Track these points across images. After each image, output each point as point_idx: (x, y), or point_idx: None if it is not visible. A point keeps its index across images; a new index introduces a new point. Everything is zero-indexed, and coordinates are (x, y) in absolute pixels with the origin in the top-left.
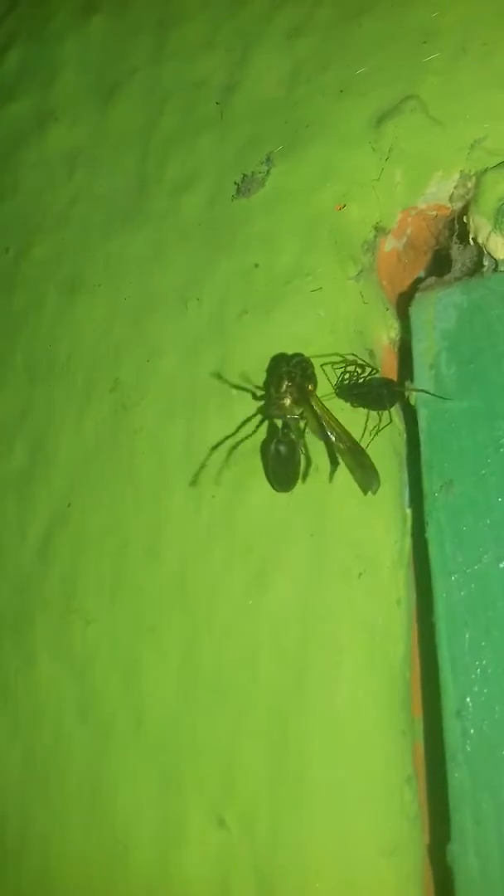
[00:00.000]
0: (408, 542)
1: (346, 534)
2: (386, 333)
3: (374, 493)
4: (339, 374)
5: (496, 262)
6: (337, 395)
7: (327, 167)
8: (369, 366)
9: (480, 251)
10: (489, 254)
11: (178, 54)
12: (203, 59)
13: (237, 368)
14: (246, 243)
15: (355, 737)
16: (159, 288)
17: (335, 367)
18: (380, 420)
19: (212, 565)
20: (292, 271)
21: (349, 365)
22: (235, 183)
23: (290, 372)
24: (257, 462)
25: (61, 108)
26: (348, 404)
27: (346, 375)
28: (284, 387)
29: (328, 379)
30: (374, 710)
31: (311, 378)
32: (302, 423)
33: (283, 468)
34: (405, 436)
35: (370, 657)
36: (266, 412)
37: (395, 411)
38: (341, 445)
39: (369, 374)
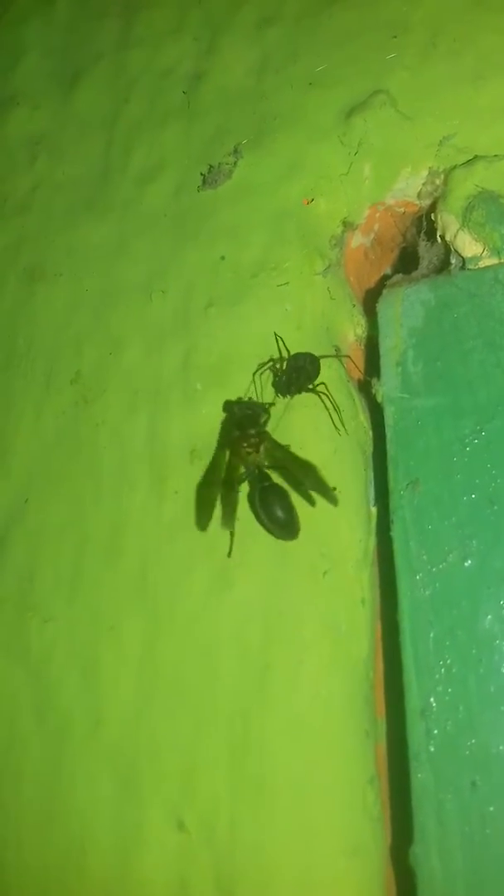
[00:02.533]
0: (373, 540)
1: (311, 532)
2: (353, 330)
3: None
4: (271, 379)
5: (463, 260)
6: (282, 396)
7: (295, 160)
8: (279, 357)
9: (448, 249)
10: (456, 251)
11: (145, 41)
12: (170, 47)
13: (202, 362)
14: (212, 235)
15: (317, 737)
16: (123, 279)
17: (260, 375)
18: (332, 400)
19: (174, 563)
20: (259, 265)
21: (267, 365)
22: (202, 174)
23: (243, 436)
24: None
25: (23, 93)
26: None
27: (273, 375)
28: (246, 446)
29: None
30: (336, 710)
31: (260, 425)
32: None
33: (283, 511)
34: (371, 433)
35: (334, 657)
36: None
37: (361, 408)
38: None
39: (283, 362)
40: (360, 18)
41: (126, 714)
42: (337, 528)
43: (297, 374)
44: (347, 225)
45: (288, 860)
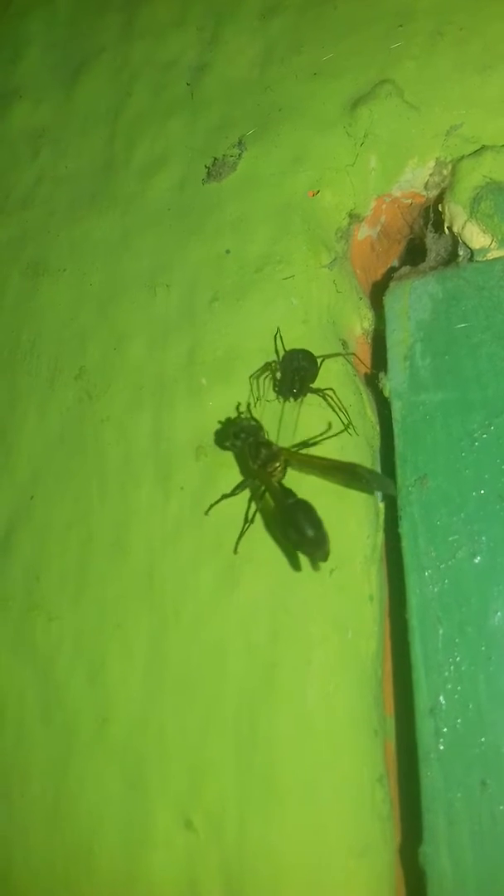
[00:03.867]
0: (380, 537)
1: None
2: (359, 323)
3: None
4: (271, 386)
5: (471, 252)
6: (286, 400)
7: (301, 152)
8: (274, 361)
9: (455, 240)
10: (464, 243)
11: (148, 33)
12: (173, 38)
13: (207, 357)
14: (217, 229)
15: (326, 735)
16: (127, 273)
17: (257, 378)
18: (337, 399)
19: (180, 560)
20: (264, 258)
21: (265, 373)
22: (206, 166)
23: (264, 464)
24: (228, 453)
25: (26, 86)
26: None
27: (275, 383)
28: (270, 471)
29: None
30: (345, 709)
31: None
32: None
33: (312, 528)
34: (378, 428)
35: (342, 654)
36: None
37: (369, 403)
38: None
39: (276, 368)
40: (364, 7)
41: (133, 712)
42: (345, 525)
43: (297, 374)
44: (354, 217)
45: (296, 859)
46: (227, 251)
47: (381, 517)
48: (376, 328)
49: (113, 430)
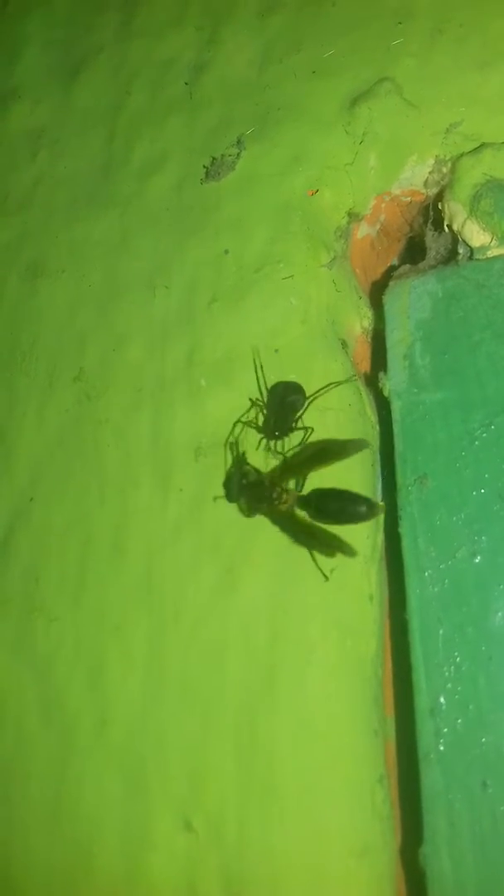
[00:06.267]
0: (380, 536)
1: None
2: (359, 322)
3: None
4: (258, 426)
5: (471, 250)
6: (277, 437)
7: (299, 151)
8: (259, 402)
9: (455, 238)
10: (464, 241)
11: (146, 32)
12: (172, 38)
13: (206, 358)
14: (216, 229)
15: (326, 736)
16: (126, 274)
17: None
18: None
19: (179, 561)
20: (263, 258)
21: (253, 413)
22: (205, 166)
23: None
24: (227, 455)
25: (24, 86)
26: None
27: (262, 421)
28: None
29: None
30: (345, 709)
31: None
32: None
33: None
34: (378, 428)
35: (341, 655)
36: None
37: (369, 403)
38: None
39: (261, 410)
40: (363, 5)
41: (133, 714)
42: (344, 525)
43: (281, 414)
44: (353, 216)
45: (296, 860)
46: (226, 251)
47: (381, 517)
48: (376, 327)
49: (112, 431)
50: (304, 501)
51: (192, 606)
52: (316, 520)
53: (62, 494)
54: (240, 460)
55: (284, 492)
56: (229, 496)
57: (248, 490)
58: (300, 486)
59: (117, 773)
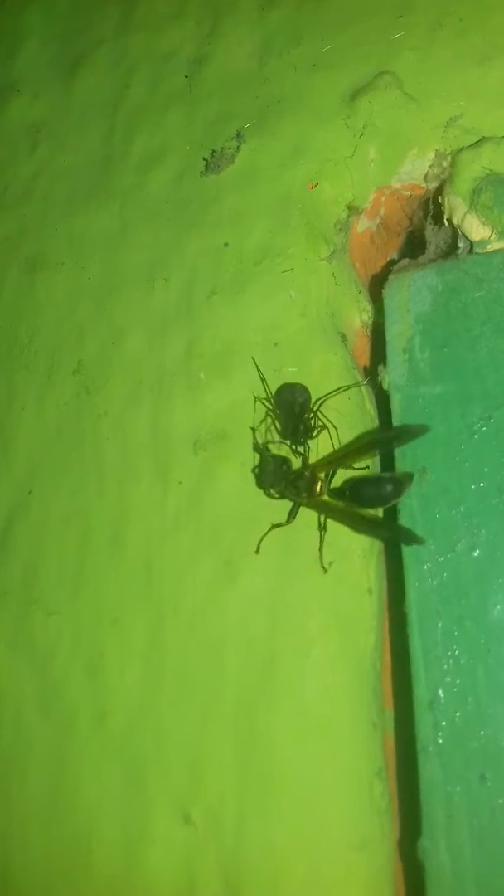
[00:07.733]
0: None
1: (315, 522)
2: (359, 316)
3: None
4: (273, 433)
5: (471, 244)
6: (301, 442)
7: (299, 144)
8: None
9: (455, 232)
10: (464, 235)
11: (146, 25)
12: (172, 31)
13: (205, 351)
14: (215, 222)
15: (325, 729)
16: (125, 267)
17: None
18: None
19: (178, 554)
20: (263, 251)
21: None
22: (205, 159)
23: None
24: (227, 447)
25: (24, 80)
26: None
27: (275, 429)
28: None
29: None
30: (344, 702)
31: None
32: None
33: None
34: (378, 421)
35: (340, 648)
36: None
37: (368, 396)
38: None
39: (277, 417)
40: None
41: (131, 707)
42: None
43: (298, 418)
44: (353, 209)
45: (295, 853)
46: (226, 244)
47: (380, 510)
48: (375, 321)
49: (111, 424)
50: (337, 492)
51: (191, 599)
52: (349, 507)
53: (61, 487)
54: (264, 450)
55: (321, 481)
56: (265, 483)
57: (289, 480)
58: (330, 476)
59: (116, 766)
